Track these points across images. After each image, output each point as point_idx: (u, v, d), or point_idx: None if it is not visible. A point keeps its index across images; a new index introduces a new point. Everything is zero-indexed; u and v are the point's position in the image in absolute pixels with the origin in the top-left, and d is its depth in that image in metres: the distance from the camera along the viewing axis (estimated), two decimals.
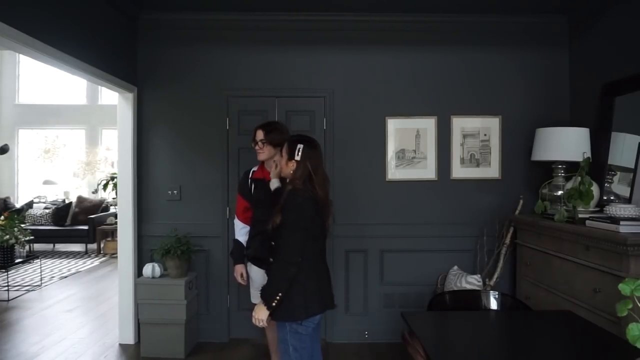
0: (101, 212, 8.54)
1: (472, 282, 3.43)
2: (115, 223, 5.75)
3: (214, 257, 3.88)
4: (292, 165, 2.21)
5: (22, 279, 6.05)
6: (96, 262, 7.38)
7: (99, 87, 8.19)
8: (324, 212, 2.24)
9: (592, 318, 2.44)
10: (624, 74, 3.16)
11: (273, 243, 2.24)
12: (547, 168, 3.42)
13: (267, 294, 2.12)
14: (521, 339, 2.02)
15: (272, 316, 2.15)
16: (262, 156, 2.88)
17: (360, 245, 3.87)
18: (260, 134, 2.87)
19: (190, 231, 3.73)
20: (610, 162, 3.25)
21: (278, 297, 2.09)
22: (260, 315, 2.13)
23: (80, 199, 8.75)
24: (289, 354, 2.20)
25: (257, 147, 2.87)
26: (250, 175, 3.02)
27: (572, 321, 2.19)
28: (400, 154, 3.88)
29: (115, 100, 3.91)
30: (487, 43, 3.87)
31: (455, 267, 3.69)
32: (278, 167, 2.48)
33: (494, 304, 2.61)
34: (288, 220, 2.12)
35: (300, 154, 2.20)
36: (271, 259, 2.23)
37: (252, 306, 3.36)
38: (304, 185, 2.17)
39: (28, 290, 5.56)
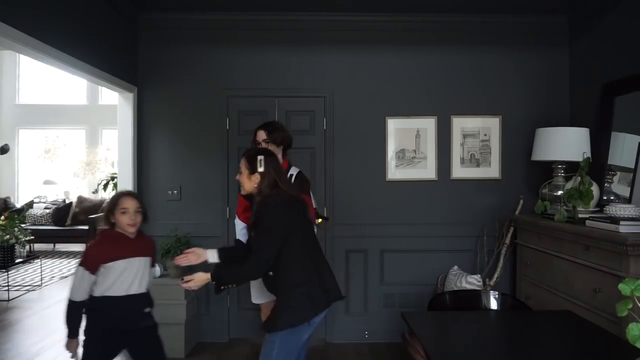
0: (101, 212, 8.53)
1: (472, 282, 3.43)
2: None
3: None
4: (256, 179, 2.19)
5: (23, 279, 6.05)
6: None
7: (99, 87, 8.18)
8: (303, 207, 2.24)
9: (592, 318, 2.43)
10: (624, 74, 3.16)
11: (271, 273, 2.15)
12: (547, 168, 3.42)
13: (224, 276, 2.13)
14: (521, 339, 2.02)
15: (278, 326, 2.06)
16: None
17: (360, 245, 3.87)
18: (262, 134, 2.87)
19: (190, 231, 3.73)
20: (610, 162, 3.25)
21: (228, 287, 2.14)
22: (198, 283, 2.13)
23: (80, 199, 8.74)
24: None
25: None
26: None
27: (572, 321, 2.19)
28: (400, 154, 3.88)
29: (115, 100, 3.91)
30: (487, 43, 3.87)
31: (455, 267, 3.68)
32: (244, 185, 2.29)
33: (494, 304, 2.61)
34: (264, 226, 2.08)
35: (263, 164, 2.18)
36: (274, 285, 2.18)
37: (253, 306, 3.41)
38: (272, 190, 2.16)
39: (28, 290, 5.57)
